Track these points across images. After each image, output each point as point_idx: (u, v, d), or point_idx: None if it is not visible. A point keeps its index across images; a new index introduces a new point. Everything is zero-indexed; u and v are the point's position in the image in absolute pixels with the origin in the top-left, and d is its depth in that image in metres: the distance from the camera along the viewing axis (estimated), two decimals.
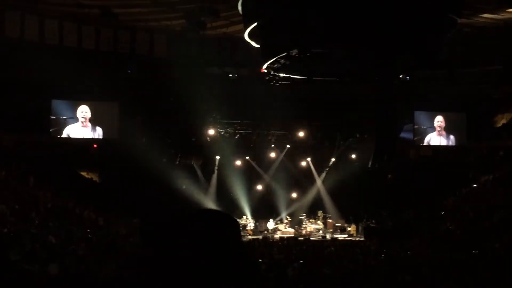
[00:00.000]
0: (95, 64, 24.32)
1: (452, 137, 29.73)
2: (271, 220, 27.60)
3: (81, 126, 26.68)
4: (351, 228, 27.51)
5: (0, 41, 22.86)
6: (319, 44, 14.77)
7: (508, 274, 11.78)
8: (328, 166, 30.27)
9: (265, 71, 17.85)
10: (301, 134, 28.98)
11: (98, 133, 27.01)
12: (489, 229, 21.49)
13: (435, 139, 29.63)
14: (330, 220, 28.22)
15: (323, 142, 29.95)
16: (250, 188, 29.31)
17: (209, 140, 28.19)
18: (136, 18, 23.48)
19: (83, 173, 28.10)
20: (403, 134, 29.72)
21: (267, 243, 22.62)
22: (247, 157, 29.69)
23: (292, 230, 27.41)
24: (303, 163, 30.35)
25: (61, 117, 26.48)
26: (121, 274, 7.40)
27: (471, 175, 28.66)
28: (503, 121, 30.58)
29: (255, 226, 27.67)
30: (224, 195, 28.95)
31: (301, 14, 14.17)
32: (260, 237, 25.70)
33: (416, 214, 26.46)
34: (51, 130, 26.22)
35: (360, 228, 26.89)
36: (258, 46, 17.20)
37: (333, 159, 30.10)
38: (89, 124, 26.79)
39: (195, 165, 28.63)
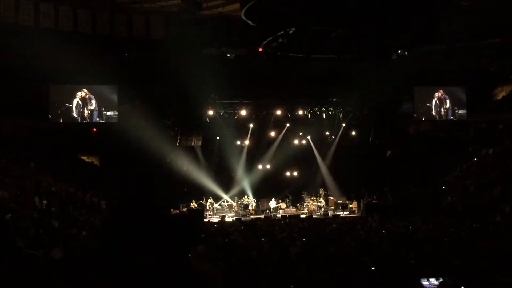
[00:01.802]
0: (92, 48, 24.19)
1: (451, 110, 29.73)
2: (273, 199, 27.69)
3: (80, 110, 26.68)
4: (353, 205, 27.62)
5: None
6: (316, 22, 14.68)
7: (509, 247, 11.84)
8: (329, 144, 30.34)
9: (263, 50, 17.78)
10: (300, 112, 29.05)
11: (98, 116, 26.99)
12: (489, 203, 21.57)
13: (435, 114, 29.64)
14: (331, 198, 28.31)
15: (323, 119, 29.95)
16: (251, 168, 29.38)
17: (208, 120, 28.19)
18: (132, 0, 23.30)
19: (84, 157, 28.12)
20: (402, 110, 29.72)
21: (269, 222, 22.73)
22: (247, 137, 29.69)
23: (294, 208, 27.54)
24: (304, 141, 30.37)
25: (59, 102, 26.46)
26: None
27: (471, 149, 28.68)
28: (503, 94, 30.55)
29: (257, 206, 27.78)
30: (225, 175, 29.03)
31: None
32: (262, 216, 25.82)
33: (417, 190, 26.53)
34: (50, 115, 26.20)
35: (361, 205, 26.98)
36: (255, 25, 17.11)
37: (333, 137, 30.15)
38: (89, 108, 26.77)
39: (195, 146, 28.67)
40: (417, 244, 12.58)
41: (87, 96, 26.68)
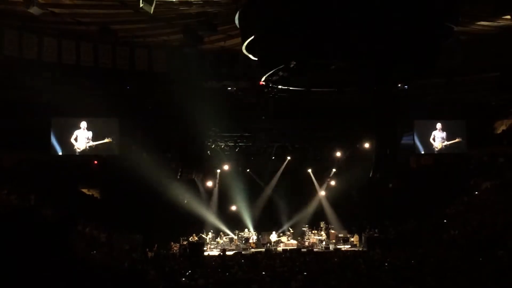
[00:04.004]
0: (94, 81, 24.37)
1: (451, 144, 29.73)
2: (273, 232, 27.55)
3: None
4: (354, 239, 27.46)
5: None
6: (317, 56, 14.81)
7: None
8: (329, 177, 30.28)
9: (264, 83, 17.89)
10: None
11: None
12: (492, 236, 21.44)
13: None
14: (332, 231, 28.16)
15: (324, 152, 29.95)
16: (251, 201, 29.28)
17: (209, 153, 28.20)
18: (134, 34, 23.50)
19: (84, 190, 28.04)
20: (403, 143, 29.76)
21: (270, 256, 22.56)
22: (248, 170, 29.67)
23: (294, 242, 27.36)
24: (304, 174, 30.34)
25: (61, 135, 26.46)
26: None
27: (473, 182, 28.62)
28: (503, 127, 30.63)
29: (258, 239, 27.62)
30: (225, 208, 28.94)
31: (298, 26, 14.23)
32: (263, 249, 25.63)
33: (418, 223, 26.40)
34: (51, 148, 26.16)
35: (363, 238, 26.81)
36: (256, 59, 17.25)
37: (334, 170, 30.11)
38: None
39: (196, 179, 28.63)
40: (420, 277, 12.46)
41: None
